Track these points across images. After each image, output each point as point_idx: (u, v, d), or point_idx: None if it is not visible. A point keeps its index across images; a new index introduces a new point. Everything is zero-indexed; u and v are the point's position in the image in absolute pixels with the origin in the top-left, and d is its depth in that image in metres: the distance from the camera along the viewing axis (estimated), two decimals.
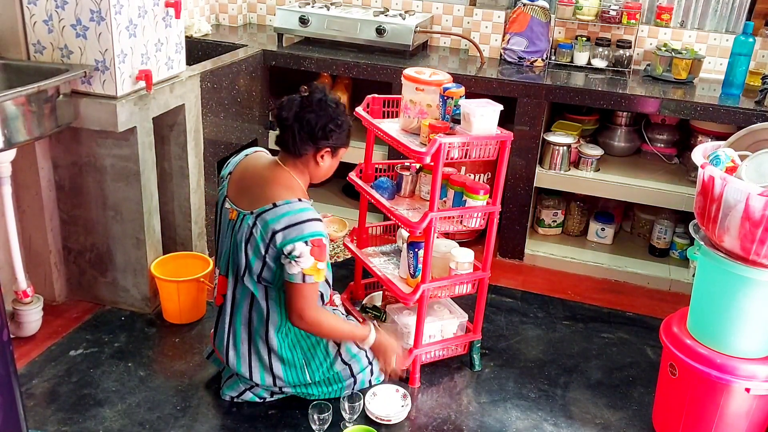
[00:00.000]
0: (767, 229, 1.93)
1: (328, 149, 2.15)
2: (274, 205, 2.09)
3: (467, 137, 2.27)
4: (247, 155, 2.29)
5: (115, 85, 2.42)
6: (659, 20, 3.47)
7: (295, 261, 2.05)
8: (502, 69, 3.40)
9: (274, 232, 2.06)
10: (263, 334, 2.23)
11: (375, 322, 2.49)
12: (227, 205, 2.21)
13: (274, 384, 2.29)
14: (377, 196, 2.50)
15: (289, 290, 2.12)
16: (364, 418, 2.29)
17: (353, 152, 3.42)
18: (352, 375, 2.37)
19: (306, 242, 2.04)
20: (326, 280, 2.31)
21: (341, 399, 2.22)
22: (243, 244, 2.14)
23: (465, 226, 2.42)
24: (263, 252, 2.10)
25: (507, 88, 3.18)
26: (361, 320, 2.61)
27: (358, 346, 2.33)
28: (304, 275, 2.07)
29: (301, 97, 2.12)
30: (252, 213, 2.11)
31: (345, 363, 2.33)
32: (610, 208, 3.67)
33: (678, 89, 3.19)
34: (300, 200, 2.12)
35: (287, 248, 2.05)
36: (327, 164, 2.20)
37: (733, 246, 2.02)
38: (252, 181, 2.18)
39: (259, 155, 2.28)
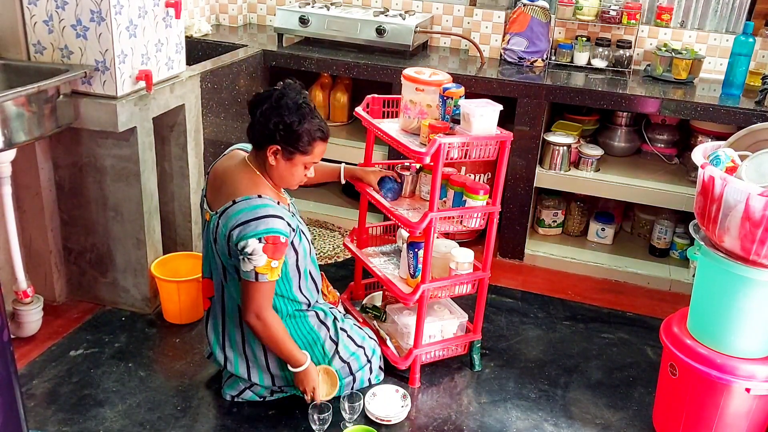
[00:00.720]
0: (767, 229, 1.93)
1: (278, 148, 2.08)
2: (234, 202, 2.08)
3: (467, 137, 2.27)
4: (224, 154, 2.29)
5: (115, 85, 2.42)
6: (659, 20, 3.47)
7: (248, 258, 2.02)
8: (502, 69, 3.40)
9: (231, 230, 2.05)
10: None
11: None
12: (204, 206, 2.22)
13: (273, 383, 2.29)
14: (378, 197, 2.49)
15: (243, 288, 2.10)
16: (364, 418, 2.29)
17: (353, 152, 3.44)
18: (351, 373, 2.37)
19: (260, 239, 2.01)
20: (312, 278, 2.31)
21: (341, 399, 2.22)
22: (213, 245, 2.15)
23: (465, 226, 2.42)
24: (227, 252, 2.10)
25: (507, 88, 3.18)
26: (360, 320, 2.62)
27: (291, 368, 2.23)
28: (256, 273, 2.04)
29: (271, 90, 2.10)
30: (216, 213, 2.12)
31: (343, 361, 2.34)
32: (610, 208, 3.67)
33: (678, 89, 3.19)
34: (260, 197, 2.08)
35: (240, 244, 2.02)
36: (281, 167, 2.12)
37: (733, 246, 2.02)
38: (221, 181, 2.18)
39: (234, 153, 2.26)
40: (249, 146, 2.24)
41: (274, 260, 2.04)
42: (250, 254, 2.01)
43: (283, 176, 2.16)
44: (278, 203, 2.12)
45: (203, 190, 2.28)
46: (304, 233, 2.24)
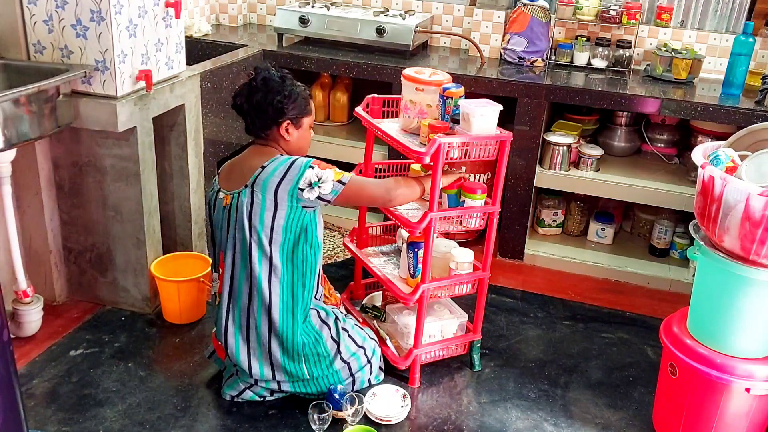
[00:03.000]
0: (767, 229, 1.93)
1: (288, 121, 2.20)
2: (263, 168, 2.16)
3: (467, 137, 2.27)
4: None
5: (115, 85, 2.42)
6: (659, 20, 3.47)
7: (322, 183, 2.13)
8: (502, 69, 3.40)
9: (277, 186, 2.13)
10: (266, 314, 2.21)
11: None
12: (221, 195, 2.24)
13: (273, 377, 2.28)
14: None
15: (354, 200, 2.25)
16: (364, 418, 2.29)
17: (353, 152, 3.45)
18: (351, 374, 2.37)
19: (311, 166, 2.14)
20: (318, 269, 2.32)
21: (344, 402, 2.22)
22: (246, 218, 2.16)
23: (465, 226, 2.42)
24: (272, 209, 2.14)
25: (507, 88, 3.18)
26: (360, 320, 2.62)
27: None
28: (339, 182, 2.15)
29: (249, 81, 2.20)
30: (246, 186, 2.17)
31: (344, 361, 2.34)
32: (610, 208, 3.67)
33: (678, 89, 3.19)
34: (282, 155, 2.22)
35: (302, 182, 2.12)
36: (295, 136, 2.25)
37: (733, 246, 2.02)
38: (238, 166, 2.26)
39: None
40: None
41: (333, 170, 2.16)
42: (320, 179, 2.12)
43: (300, 145, 2.30)
44: None
45: (213, 185, 2.30)
46: None
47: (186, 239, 2.98)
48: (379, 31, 3.42)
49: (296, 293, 2.22)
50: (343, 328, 2.35)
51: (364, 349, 2.39)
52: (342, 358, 2.33)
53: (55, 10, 2.37)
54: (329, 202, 2.17)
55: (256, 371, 2.27)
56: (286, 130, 2.22)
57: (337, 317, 2.37)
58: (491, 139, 2.31)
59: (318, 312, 2.32)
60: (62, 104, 2.37)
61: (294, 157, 2.18)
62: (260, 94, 2.17)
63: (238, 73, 3.20)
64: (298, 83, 2.24)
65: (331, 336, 2.31)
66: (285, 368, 2.27)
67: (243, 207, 2.16)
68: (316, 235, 2.23)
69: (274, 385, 2.31)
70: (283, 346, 2.25)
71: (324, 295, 2.49)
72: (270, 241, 2.16)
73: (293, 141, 2.25)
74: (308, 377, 2.29)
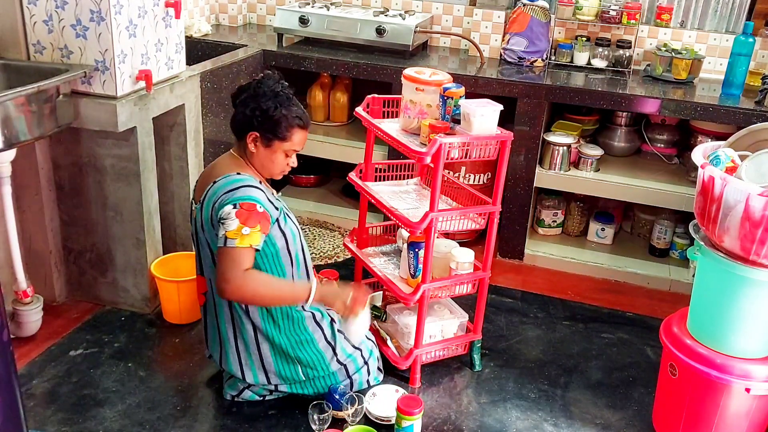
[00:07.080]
0: (767, 230, 1.93)
1: (256, 135, 2.12)
2: (214, 183, 2.12)
3: (467, 137, 2.27)
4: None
5: (115, 85, 2.42)
6: (659, 20, 3.47)
7: (221, 223, 2.03)
8: (502, 69, 3.40)
9: (213, 207, 2.08)
10: (248, 321, 2.20)
11: (322, 281, 2.33)
12: (193, 207, 2.24)
13: (268, 382, 2.28)
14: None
15: (217, 258, 2.08)
16: (364, 418, 2.29)
17: (353, 152, 3.45)
18: (348, 376, 2.37)
19: (234, 205, 2.02)
20: (305, 265, 2.29)
21: (344, 402, 2.22)
22: (202, 234, 2.16)
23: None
24: (216, 232, 2.09)
25: (507, 88, 3.18)
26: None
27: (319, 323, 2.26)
28: (226, 238, 2.00)
29: (252, 80, 2.17)
30: (200, 202, 2.15)
31: (340, 363, 2.33)
32: (610, 208, 3.67)
33: (678, 89, 3.19)
34: (239, 174, 2.13)
35: (219, 213, 2.04)
36: (261, 153, 2.15)
37: (733, 246, 2.02)
38: (207, 174, 2.23)
39: (224, 155, 2.31)
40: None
41: (245, 227, 2.01)
42: (224, 219, 2.02)
43: (264, 164, 2.19)
44: (260, 182, 2.15)
45: (193, 192, 2.29)
46: (290, 216, 2.25)
47: (186, 239, 2.98)
48: (379, 31, 3.42)
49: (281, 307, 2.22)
50: (338, 330, 2.34)
51: (361, 351, 2.38)
52: (338, 360, 2.32)
53: (55, 10, 2.37)
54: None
55: (250, 378, 2.28)
56: (253, 142, 2.13)
57: (332, 319, 2.35)
58: (492, 139, 2.31)
59: (313, 314, 2.31)
60: (62, 104, 2.36)
61: (238, 184, 2.07)
62: (246, 96, 2.13)
63: (238, 73, 3.20)
64: (296, 108, 2.13)
65: (325, 338, 2.30)
66: (279, 372, 2.27)
67: (198, 222, 2.16)
68: (277, 255, 2.17)
69: (272, 387, 2.31)
70: (275, 349, 2.25)
71: None
72: None
73: (257, 156, 2.16)
74: (304, 379, 2.29)
